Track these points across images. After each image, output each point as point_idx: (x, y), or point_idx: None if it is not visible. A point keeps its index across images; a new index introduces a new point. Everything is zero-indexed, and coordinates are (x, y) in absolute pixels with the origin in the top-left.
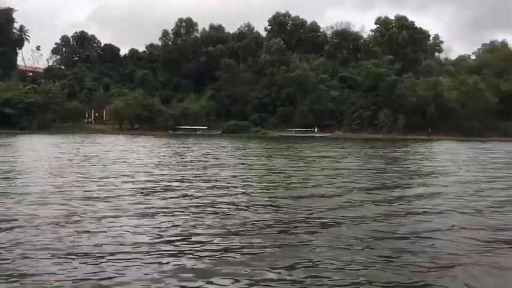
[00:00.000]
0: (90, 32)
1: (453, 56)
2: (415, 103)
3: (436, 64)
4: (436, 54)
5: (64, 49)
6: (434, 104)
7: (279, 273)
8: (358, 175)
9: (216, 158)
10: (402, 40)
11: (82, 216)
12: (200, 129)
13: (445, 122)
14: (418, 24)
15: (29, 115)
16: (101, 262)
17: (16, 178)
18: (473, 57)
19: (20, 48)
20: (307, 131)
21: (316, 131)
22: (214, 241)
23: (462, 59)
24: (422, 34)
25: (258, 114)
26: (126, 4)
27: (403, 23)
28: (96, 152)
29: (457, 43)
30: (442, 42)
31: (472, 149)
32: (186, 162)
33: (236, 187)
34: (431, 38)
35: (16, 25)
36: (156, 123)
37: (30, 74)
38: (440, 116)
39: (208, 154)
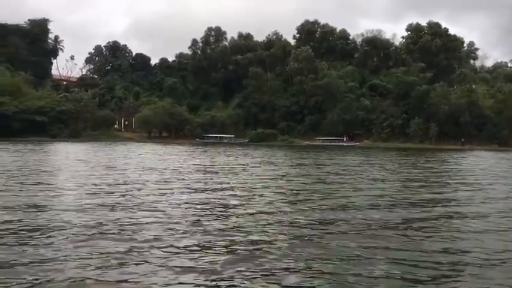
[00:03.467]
0: (127, 43)
1: (489, 64)
2: (448, 111)
3: (470, 72)
4: (472, 61)
5: (97, 58)
6: (469, 113)
7: None
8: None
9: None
10: (435, 47)
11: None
12: (227, 137)
13: (479, 131)
14: (451, 32)
15: (61, 123)
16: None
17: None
18: (510, 64)
19: (55, 58)
20: (335, 139)
21: (345, 139)
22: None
23: (498, 66)
24: (456, 41)
25: (286, 123)
26: (160, 16)
27: (436, 30)
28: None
29: (493, 50)
30: (477, 49)
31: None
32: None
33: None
34: (465, 45)
35: (51, 35)
36: (183, 132)
37: (64, 83)
38: (475, 124)
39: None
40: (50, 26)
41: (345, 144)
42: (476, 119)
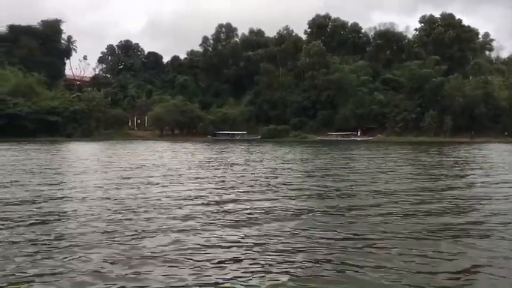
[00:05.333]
0: (141, 42)
1: (504, 55)
2: (463, 104)
3: (486, 62)
4: (487, 53)
5: (109, 58)
6: (484, 104)
7: None
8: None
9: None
10: (448, 39)
11: None
12: (239, 134)
13: (495, 123)
14: (465, 23)
15: (74, 122)
16: None
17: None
18: None
19: (68, 58)
20: (348, 134)
21: (359, 134)
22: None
23: None
24: (470, 32)
25: (298, 118)
26: (174, 15)
27: (449, 21)
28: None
29: (509, 41)
30: (492, 40)
31: None
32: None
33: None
34: (480, 37)
35: (64, 36)
36: (195, 129)
37: (77, 82)
38: (490, 117)
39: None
40: (63, 27)
41: (358, 139)
42: (492, 110)
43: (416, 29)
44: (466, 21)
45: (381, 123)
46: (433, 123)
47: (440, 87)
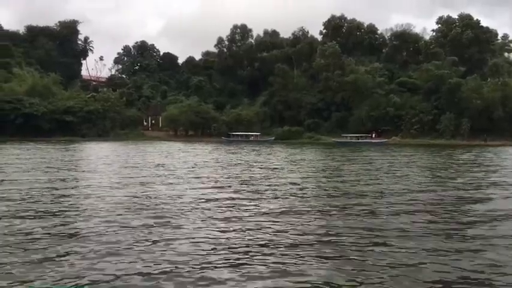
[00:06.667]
0: (158, 43)
1: None
2: (481, 106)
3: (504, 64)
4: (506, 54)
5: (125, 59)
6: (502, 107)
7: None
8: None
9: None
10: (466, 40)
11: None
12: (253, 135)
13: None
14: (483, 24)
15: (89, 122)
16: None
17: None
18: None
19: (84, 58)
20: (362, 136)
21: (373, 136)
22: None
23: None
24: (489, 33)
25: (312, 120)
26: (191, 16)
27: (467, 21)
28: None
29: None
30: (511, 42)
31: None
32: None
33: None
34: (499, 38)
35: (81, 36)
36: (209, 130)
37: (93, 83)
38: (509, 120)
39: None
40: (80, 27)
41: (373, 141)
42: (510, 113)
43: (433, 30)
44: (483, 22)
45: (397, 126)
46: (449, 126)
47: (457, 88)
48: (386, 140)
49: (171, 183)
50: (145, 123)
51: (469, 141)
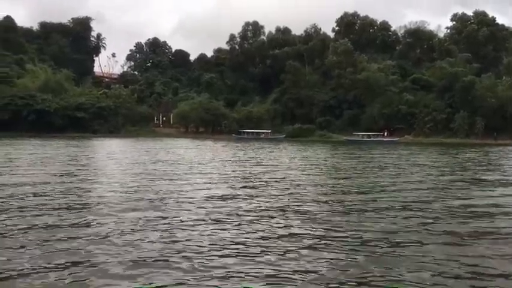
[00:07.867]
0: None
1: None
2: (495, 104)
3: None
4: None
5: (138, 55)
6: None
7: None
8: None
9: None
10: (482, 37)
11: None
12: (263, 133)
13: None
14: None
15: (100, 119)
16: None
17: None
18: None
19: (97, 55)
20: (374, 135)
21: (385, 135)
22: None
23: None
24: (505, 31)
25: (324, 118)
26: (204, 13)
27: (482, 18)
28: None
29: None
30: None
31: None
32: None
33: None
34: None
35: (93, 33)
36: (220, 127)
37: (106, 79)
38: None
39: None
40: (94, 24)
41: (385, 139)
42: None
43: (447, 27)
44: (498, 20)
45: (410, 124)
46: (463, 125)
47: (471, 86)
48: (398, 138)
49: (179, 180)
50: (156, 120)
51: (483, 140)
